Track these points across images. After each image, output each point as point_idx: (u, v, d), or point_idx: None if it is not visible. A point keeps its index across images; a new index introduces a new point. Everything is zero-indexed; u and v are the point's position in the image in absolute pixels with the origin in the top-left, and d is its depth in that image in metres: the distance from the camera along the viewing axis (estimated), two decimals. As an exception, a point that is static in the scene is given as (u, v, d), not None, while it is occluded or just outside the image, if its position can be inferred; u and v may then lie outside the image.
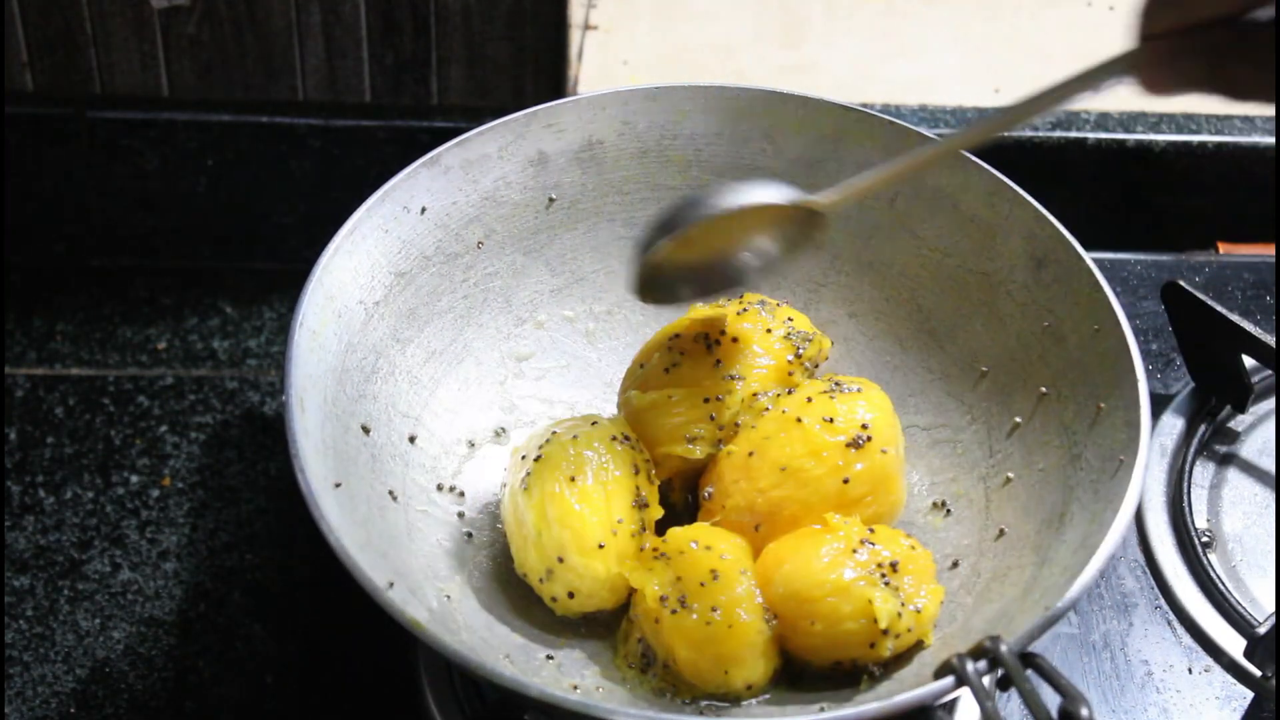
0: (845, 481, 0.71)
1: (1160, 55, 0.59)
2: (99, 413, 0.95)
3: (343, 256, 0.75)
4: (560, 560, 0.70)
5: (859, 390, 0.74)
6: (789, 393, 0.75)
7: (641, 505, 0.72)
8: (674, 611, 0.68)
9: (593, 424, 0.74)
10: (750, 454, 0.72)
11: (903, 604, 0.67)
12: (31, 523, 0.88)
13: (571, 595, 0.70)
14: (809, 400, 0.73)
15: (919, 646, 0.69)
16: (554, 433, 0.73)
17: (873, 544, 0.69)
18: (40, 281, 1.04)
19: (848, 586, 0.67)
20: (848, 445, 0.71)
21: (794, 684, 0.70)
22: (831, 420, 0.72)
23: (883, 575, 0.67)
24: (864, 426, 0.72)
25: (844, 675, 0.68)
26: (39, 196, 1.03)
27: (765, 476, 0.72)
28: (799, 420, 0.72)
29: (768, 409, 0.74)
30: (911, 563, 0.69)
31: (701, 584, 0.68)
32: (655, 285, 0.73)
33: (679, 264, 0.72)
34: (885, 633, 0.67)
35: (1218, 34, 0.56)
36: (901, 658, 0.68)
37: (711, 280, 0.74)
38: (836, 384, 0.75)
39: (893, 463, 0.73)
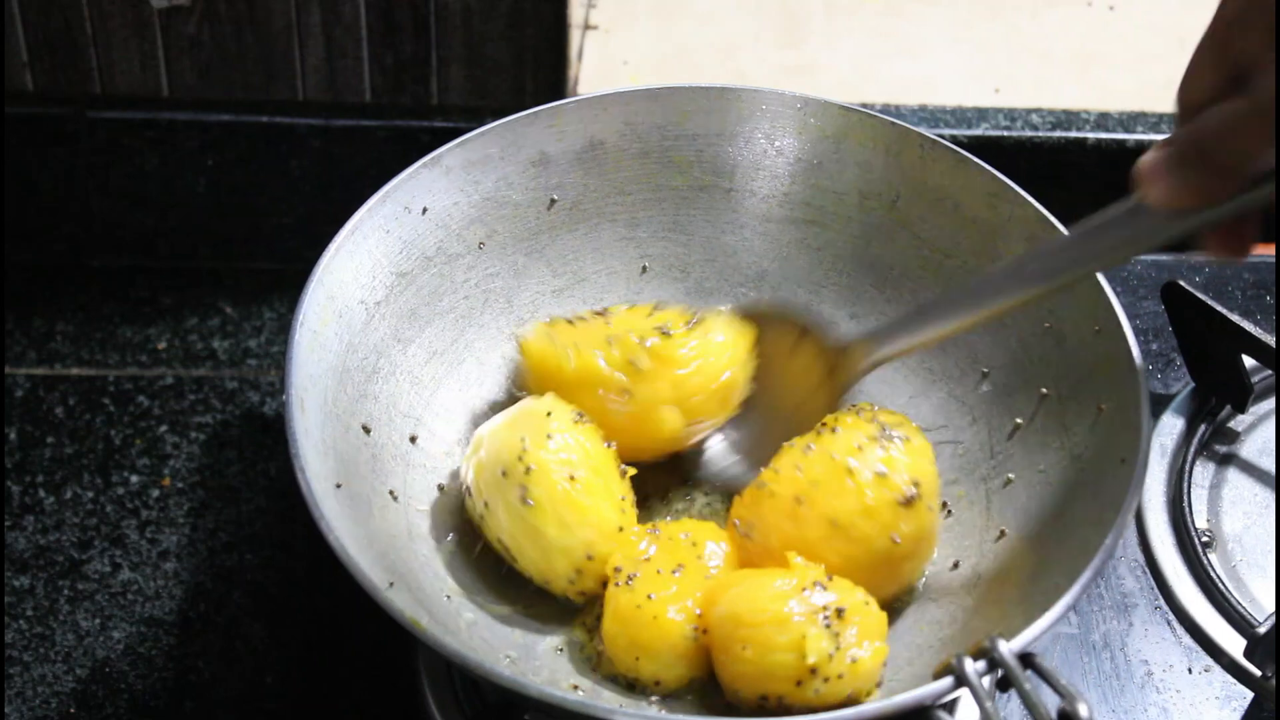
0: (895, 541, 0.70)
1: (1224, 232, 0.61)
2: (99, 413, 0.95)
3: (344, 256, 0.75)
4: (590, 558, 0.71)
5: (908, 439, 0.72)
6: (834, 431, 0.73)
7: (624, 473, 0.74)
8: (618, 584, 0.69)
9: (548, 414, 0.73)
10: (797, 500, 0.71)
11: (838, 648, 0.65)
12: (31, 523, 0.88)
13: (606, 584, 0.71)
14: (859, 448, 0.71)
15: (851, 702, 0.66)
16: (523, 439, 0.71)
17: (825, 589, 0.67)
18: (40, 281, 1.04)
19: (785, 618, 0.65)
20: (900, 504, 0.70)
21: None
22: (885, 475, 0.70)
23: (825, 618, 0.65)
24: (916, 484, 0.70)
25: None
26: (39, 196, 1.03)
27: (814, 527, 0.70)
28: (850, 471, 0.70)
29: (810, 447, 0.72)
30: (859, 614, 0.67)
31: (658, 571, 0.69)
32: None
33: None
34: (814, 672, 0.64)
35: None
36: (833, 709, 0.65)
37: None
38: (883, 428, 0.72)
39: (934, 518, 0.72)
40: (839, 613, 0.66)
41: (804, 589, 0.67)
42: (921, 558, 0.73)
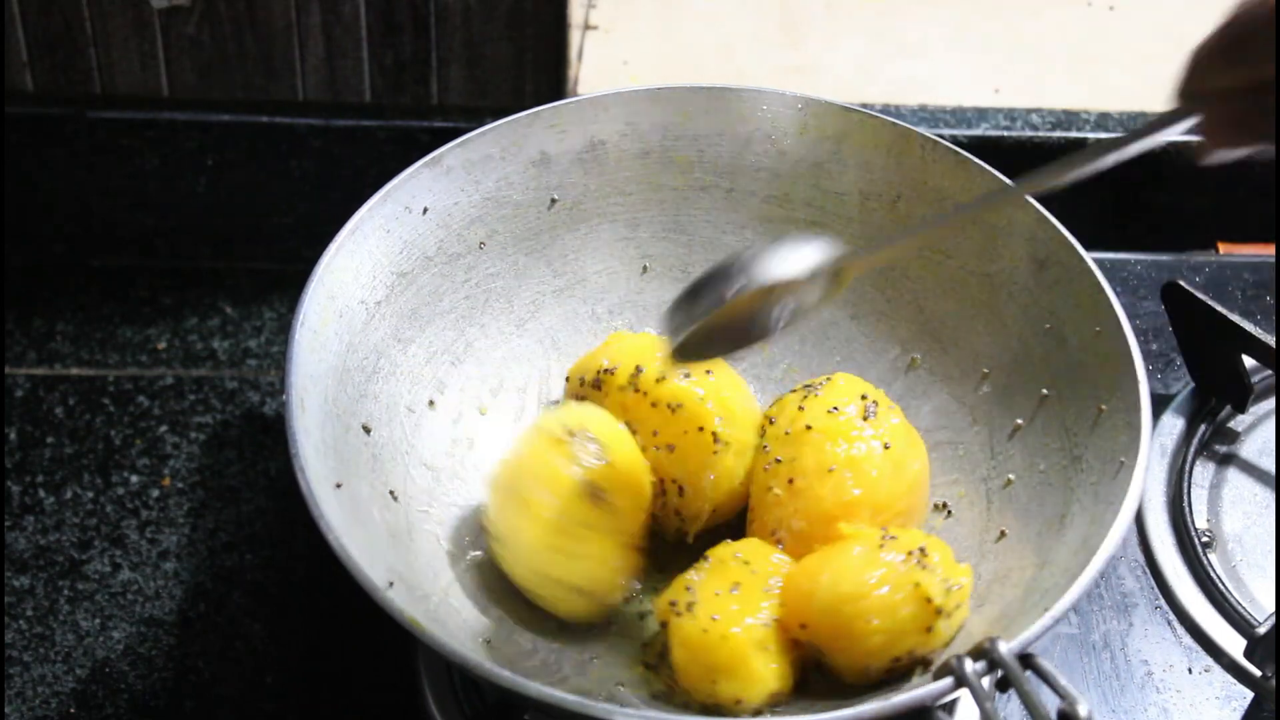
0: (887, 446, 0.72)
1: (1227, 118, 0.59)
2: (99, 413, 0.95)
3: (344, 256, 0.75)
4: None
5: (830, 379, 0.75)
6: (771, 422, 0.75)
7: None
8: (679, 615, 0.68)
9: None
10: (791, 481, 0.72)
11: (946, 583, 0.66)
12: (31, 523, 0.88)
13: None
14: (800, 409, 0.74)
15: (962, 629, 0.68)
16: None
17: (894, 537, 0.68)
18: (40, 281, 1.04)
19: (889, 577, 0.66)
20: (867, 418, 0.72)
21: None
22: (835, 409, 0.73)
23: (918, 561, 0.66)
24: (863, 397, 0.73)
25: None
26: (39, 196, 1.03)
27: (820, 486, 0.71)
28: (808, 428, 0.72)
29: (766, 447, 0.74)
30: (936, 548, 0.68)
31: (716, 593, 0.68)
32: (689, 348, 0.71)
33: (712, 325, 0.70)
34: (939, 612, 0.65)
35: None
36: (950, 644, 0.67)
37: (742, 338, 0.71)
38: (808, 386, 0.75)
39: (905, 423, 0.74)
40: (922, 550, 0.67)
41: (879, 545, 0.67)
42: (923, 458, 0.74)
